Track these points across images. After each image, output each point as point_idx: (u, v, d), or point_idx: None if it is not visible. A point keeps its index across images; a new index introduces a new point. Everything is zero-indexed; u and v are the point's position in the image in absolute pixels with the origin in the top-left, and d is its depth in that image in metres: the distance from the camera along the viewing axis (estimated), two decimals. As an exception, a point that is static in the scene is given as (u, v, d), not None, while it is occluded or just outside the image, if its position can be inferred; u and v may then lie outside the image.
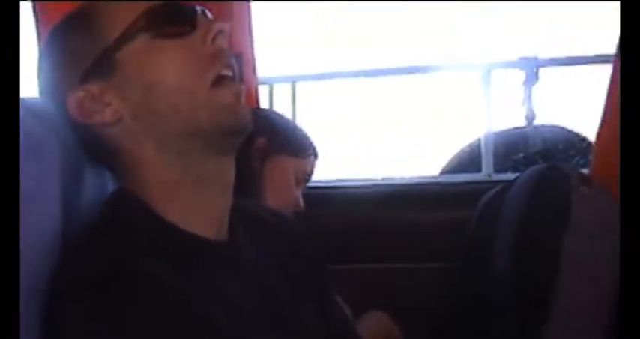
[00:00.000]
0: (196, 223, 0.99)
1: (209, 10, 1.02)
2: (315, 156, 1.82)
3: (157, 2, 0.98)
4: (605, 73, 2.13)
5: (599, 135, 2.12)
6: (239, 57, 2.17)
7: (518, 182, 1.97)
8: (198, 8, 1.00)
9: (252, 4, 2.27)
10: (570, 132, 2.83)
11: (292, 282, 1.10)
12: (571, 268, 1.71)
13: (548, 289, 1.71)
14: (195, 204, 0.99)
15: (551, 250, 1.73)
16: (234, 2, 2.21)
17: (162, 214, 0.98)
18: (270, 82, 2.64)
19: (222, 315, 0.93)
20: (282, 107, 2.63)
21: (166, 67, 0.96)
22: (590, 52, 2.37)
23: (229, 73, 0.98)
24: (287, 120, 1.90)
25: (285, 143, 1.76)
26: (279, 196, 1.74)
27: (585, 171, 2.07)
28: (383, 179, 2.65)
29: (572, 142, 2.70)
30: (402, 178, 2.70)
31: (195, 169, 0.99)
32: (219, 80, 0.96)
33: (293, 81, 2.68)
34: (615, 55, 2.09)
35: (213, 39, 0.98)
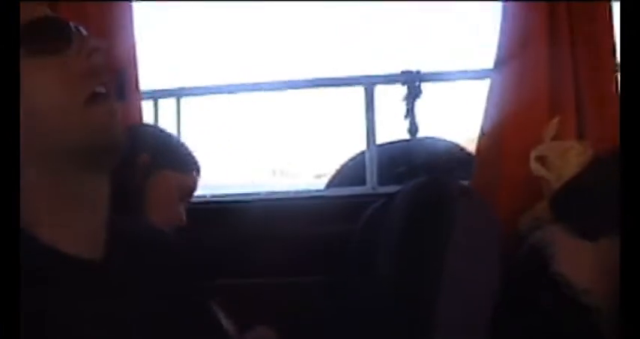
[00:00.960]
0: (69, 241, 0.95)
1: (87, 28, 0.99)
2: (198, 171, 1.80)
3: (30, 18, 0.96)
4: (484, 86, 2.19)
5: (478, 146, 2.17)
6: (122, 73, 2.13)
7: (400, 195, 1.99)
8: (72, 25, 0.98)
9: (136, 19, 2.24)
10: (453, 144, 2.89)
11: (170, 298, 1.08)
12: (451, 280, 1.74)
13: (430, 302, 1.74)
14: (68, 222, 0.96)
15: (432, 259, 1.75)
16: (117, 17, 2.18)
17: (35, 235, 0.94)
18: (154, 97, 2.59)
19: (99, 335, 0.90)
20: (167, 122, 2.58)
21: (39, 84, 0.93)
22: (470, 67, 2.43)
23: (103, 90, 0.96)
24: (170, 135, 1.88)
25: (168, 159, 1.74)
26: (162, 212, 1.71)
27: (466, 182, 2.12)
28: (268, 193, 2.64)
29: (455, 153, 2.75)
30: (287, 192, 2.69)
31: (68, 187, 0.96)
32: (93, 98, 0.94)
33: (178, 96, 2.64)
34: (493, 70, 2.15)
35: (89, 56, 0.96)
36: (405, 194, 1.97)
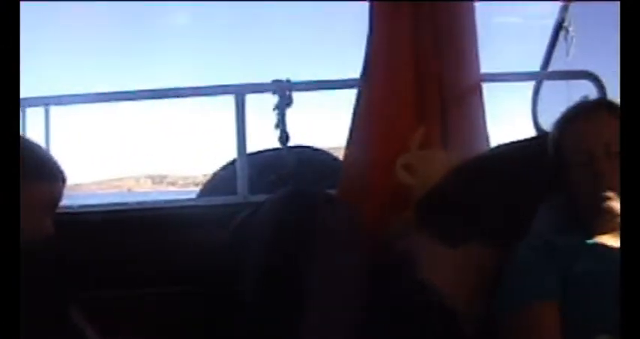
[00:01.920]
0: None
1: None
2: (64, 181, 1.76)
3: None
4: (352, 96, 2.22)
5: (345, 155, 2.21)
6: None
7: (266, 205, 2.01)
8: None
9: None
10: (325, 153, 2.92)
11: (30, 309, 1.06)
12: (315, 288, 1.77)
13: (294, 311, 1.76)
14: None
15: (297, 267, 1.77)
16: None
17: None
18: (22, 106, 2.50)
19: None
20: (35, 132, 2.51)
21: None
22: (340, 77, 2.46)
23: None
24: (34, 145, 1.82)
25: (32, 168, 1.69)
26: (27, 222, 1.67)
27: (333, 191, 2.15)
28: (138, 203, 2.60)
29: (327, 162, 2.78)
30: (157, 202, 2.66)
31: None
32: None
33: (46, 104, 2.56)
34: (360, 80, 2.18)
35: None
36: (271, 204, 1.99)
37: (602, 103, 1.98)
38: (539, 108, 2.99)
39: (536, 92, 2.97)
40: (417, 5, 2.13)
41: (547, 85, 3.04)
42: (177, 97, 2.69)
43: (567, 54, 2.94)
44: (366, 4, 2.18)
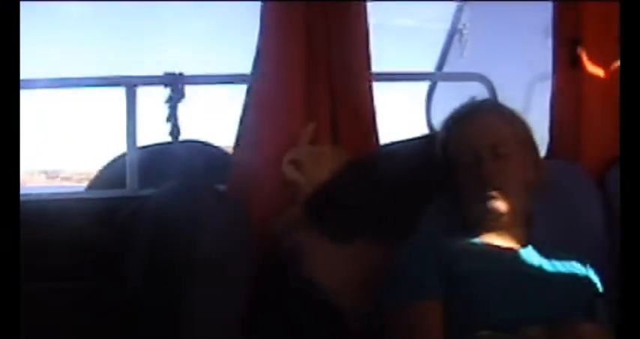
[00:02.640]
0: None
1: None
2: None
3: None
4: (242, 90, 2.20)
5: (234, 150, 2.18)
6: None
7: (153, 198, 1.97)
8: None
9: None
10: (216, 148, 2.89)
11: None
12: (200, 283, 1.74)
13: (179, 305, 1.73)
14: None
15: (182, 263, 1.75)
16: None
17: None
18: None
19: None
20: None
21: None
22: (232, 71, 2.44)
23: None
24: None
25: None
26: None
27: (222, 186, 2.12)
28: (23, 195, 2.52)
29: (218, 157, 2.75)
30: (41, 194, 2.58)
31: None
32: None
33: None
34: (251, 75, 2.16)
35: None
36: (157, 197, 1.96)
37: (489, 104, 2.02)
38: (434, 109, 3.04)
39: (430, 93, 3.01)
40: (310, 2, 2.13)
41: (442, 86, 3.09)
42: (67, 87, 2.62)
43: (461, 56, 2.99)
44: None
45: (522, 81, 2.86)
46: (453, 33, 3.03)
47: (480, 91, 2.68)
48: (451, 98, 2.79)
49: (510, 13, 2.92)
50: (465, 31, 2.98)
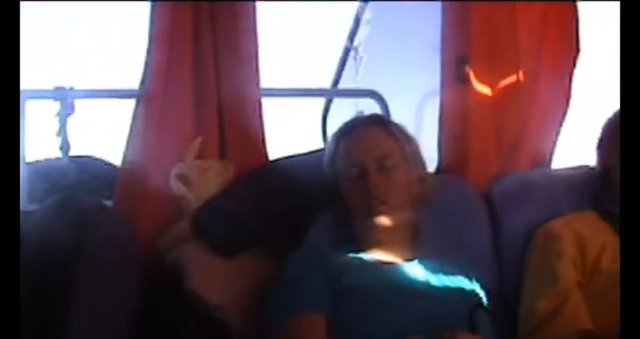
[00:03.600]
0: None
1: None
2: None
3: None
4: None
5: (122, 165, 2.14)
6: None
7: (37, 213, 1.92)
8: None
9: None
10: (105, 163, 2.84)
11: None
12: (85, 299, 1.70)
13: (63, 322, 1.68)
14: None
15: (64, 279, 1.70)
16: None
17: None
18: None
19: None
20: None
21: None
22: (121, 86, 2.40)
23: None
24: None
25: None
26: None
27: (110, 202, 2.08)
28: None
29: (106, 172, 2.71)
30: None
31: None
32: None
33: None
34: (139, 89, 2.13)
35: None
36: (41, 212, 1.90)
37: (376, 118, 2.04)
38: (331, 125, 3.06)
39: (326, 109, 3.02)
40: (198, 16, 2.11)
41: (339, 103, 3.11)
42: None
43: (357, 73, 3.03)
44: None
45: (416, 98, 2.90)
46: (348, 50, 3.06)
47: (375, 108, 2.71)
48: (349, 114, 2.82)
49: (405, 31, 2.97)
50: (359, 49, 3.02)
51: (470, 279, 1.90)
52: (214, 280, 1.90)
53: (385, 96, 2.64)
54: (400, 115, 2.50)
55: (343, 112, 3.02)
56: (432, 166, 2.24)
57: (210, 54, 2.11)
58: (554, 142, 2.38)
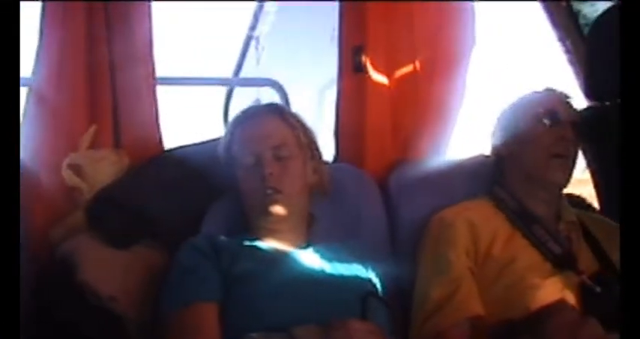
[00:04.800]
0: None
1: None
2: None
3: None
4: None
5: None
6: None
7: None
8: None
9: None
10: None
11: None
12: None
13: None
14: None
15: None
16: None
17: None
18: None
19: None
20: None
21: None
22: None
23: None
24: None
25: None
26: None
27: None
28: None
29: None
30: None
31: None
32: None
33: None
34: (32, 78, 2.07)
35: None
36: None
37: (272, 107, 2.03)
38: (232, 114, 3.04)
39: (227, 98, 3.01)
40: (91, 5, 2.07)
41: (242, 92, 3.10)
42: None
43: (258, 63, 3.02)
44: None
45: (317, 87, 2.91)
46: (250, 39, 3.05)
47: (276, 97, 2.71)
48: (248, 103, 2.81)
49: (306, 21, 2.98)
50: (261, 38, 3.01)
51: (365, 267, 1.91)
52: (108, 271, 1.86)
53: (286, 85, 2.65)
54: (300, 104, 2.50)
55: (246, 101, 3.02)
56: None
57: (103, 42, 2.07)
58: (451, 131, 2.41)
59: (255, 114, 1.96)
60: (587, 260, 1.98)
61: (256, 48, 3.02)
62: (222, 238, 1.84)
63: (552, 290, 1.86)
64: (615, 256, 2.01)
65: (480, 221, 1.99)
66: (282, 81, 2.68)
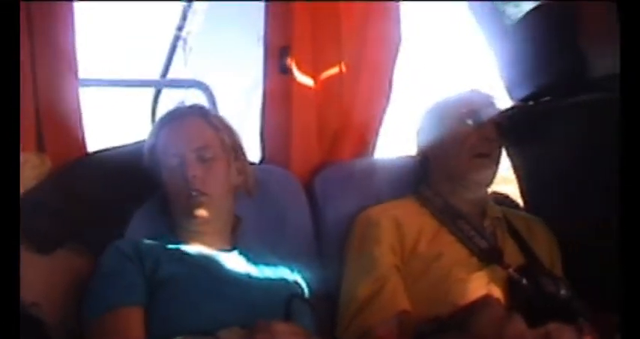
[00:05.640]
0: None
1: None
2: None
3: None
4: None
5: None
6: None
7: None
8: None
9: None
10: None
11: None
12: None
13: None
14: None
15: None
16: None
17: None
18: None
19: None
20: None
21: None
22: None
23: None
24: None
25: None
26: None
27: None
28: None
29: None
30: None
31: None
32: None
33: None
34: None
35: None
36: None
37: (196, 109, 2.01)
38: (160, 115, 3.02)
39: (155, 100, 2.98)
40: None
41: (171, 94, 3.07)
42: None
43: (185, 64, 3.00)
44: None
45: (244, 88, 2.90)
46: (177, 40, 3.03)
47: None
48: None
49: (234, 21, 2.96)
50: (188, 39, 3.00)
51: (291, 269, 1.92)
52: (29, 276, 1.81)
53: (213, 86, 2.63)
54: (228, 105, 2.49)
55: (175, 102, 3.00)
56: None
57: (25, 45, 2.01)
58: (377, 132, 2.43)
59: (179, 116, 1.95)
60: (512, 255, 2.02)
61: (184, 49, 3.00)
62: (147, 241, 1.83)
63: (479, 285, 1.90)
64: (539, 250, 2.07)
65: (405, 219, 2.01)
66: (209, 82, 2.67)
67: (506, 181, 2.35)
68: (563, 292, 1.86)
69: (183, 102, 2.08)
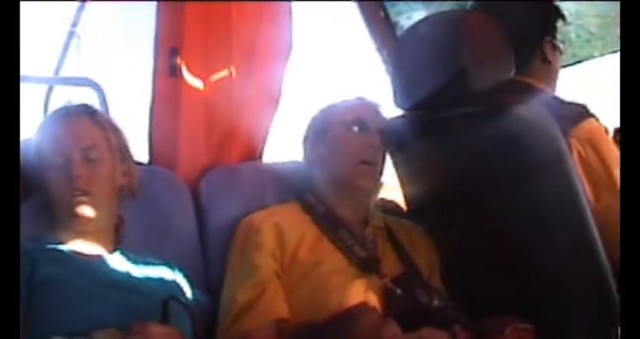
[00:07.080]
0: None
1: None
2: None
3: None
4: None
5: None
6: None
7: None
8: None
9: None
10: None
11: None
12: None
13: None
14: None
15: None
16: None
17: None
18: None
19: None
20: None
21: None
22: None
23: None
24: None
25: None
26: None
27: None
28: None
29: None
30: None
31: None
32: None
33: None
34: None
35: None
36: None
37: (83, 108, 1.99)
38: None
39: (47, 98, 2.93)
40: None
41: (65, 90, 3.02)
42: None
43: (78, 60, 2.95)
44: None
45: (136, 88, 2.88)
46: (72, 36, 2.98)
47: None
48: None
49: (127, 19, 2.94)
50: (82, 35, 2.95)
51: (172, 270, 1.92)
52: None
53: (105, 85, 2.60)
54: (120, 105, 2.47)
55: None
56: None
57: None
58: (265, 137, 2.45)
59: (66, 114, 1.93)
60: (391, 264, 2.05)
61: (77, 45, 2.96)
62: (25, 242, 1.80)
63: (356, 293, 1.92)
64: (419, 259, 2.11)
65: (287, 225, 2.03)
66: (101, 81, 2.64)
67: (397, 188, 2.39)
68: (436, 302, 1.90)
69: (70, 101, 2.04)
